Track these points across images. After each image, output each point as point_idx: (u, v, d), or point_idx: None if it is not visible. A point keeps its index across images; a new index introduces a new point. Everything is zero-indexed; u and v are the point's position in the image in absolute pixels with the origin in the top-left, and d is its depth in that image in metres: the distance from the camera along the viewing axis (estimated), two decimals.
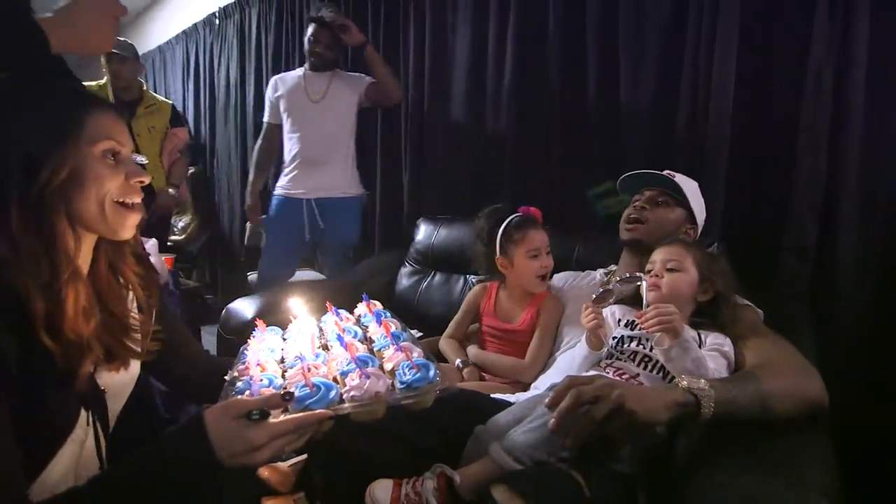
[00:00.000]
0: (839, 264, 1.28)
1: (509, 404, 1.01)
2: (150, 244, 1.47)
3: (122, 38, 2.44)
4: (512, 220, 1.29)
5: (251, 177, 2.30)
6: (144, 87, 2.58)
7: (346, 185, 2.13)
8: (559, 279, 1.38)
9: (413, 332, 1.67)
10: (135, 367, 0.78)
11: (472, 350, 1.35)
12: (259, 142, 2.30)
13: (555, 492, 0.65)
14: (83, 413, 0.68)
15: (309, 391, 0.69)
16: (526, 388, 1.21)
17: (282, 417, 0.66)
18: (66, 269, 0.63)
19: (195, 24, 3.82)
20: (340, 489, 0.84)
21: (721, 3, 1.39)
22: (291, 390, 0.68)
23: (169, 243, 3.26)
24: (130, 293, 0.77)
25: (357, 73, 2.15)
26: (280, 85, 2.17)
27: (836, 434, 0.80)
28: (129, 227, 0.71)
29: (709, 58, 1.43)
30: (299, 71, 2.17)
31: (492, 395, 1.11)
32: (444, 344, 1.40)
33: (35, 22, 0.74)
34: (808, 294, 1.30)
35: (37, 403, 0.61)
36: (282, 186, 2.16)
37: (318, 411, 0.66)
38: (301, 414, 0.65)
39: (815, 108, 1.28)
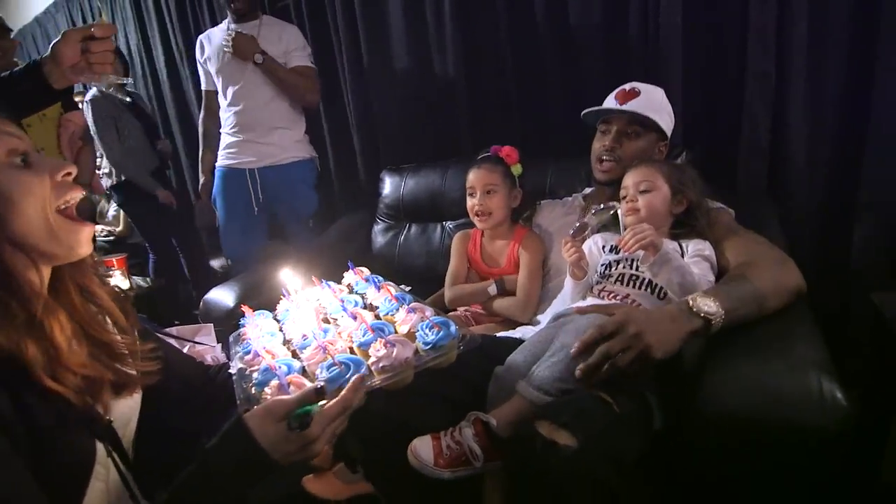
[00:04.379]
0: (792, 159, 1.36)
1: (515, 340, 1.06)
2: (206, 329, 1.37)
3: None
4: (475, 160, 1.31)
5: (200, 152, 2.12)
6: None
7: (294, 150, 1.97)
8: (542, 212, 1.39)
9: (401, 287, 1.69)
10: (135, 394, 0.73)
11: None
12: (202, 113, 2.10)
13: (591, 416, 0.70)
14: (99, 448, 0.64)
15: (339, 370, 0.69)
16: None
17: (308, 387, 0.65)
18: (37, 301, 0.57)
19: None
20: (378, 455, 0.87)
21: None
22: (321, 381, 0.67)
23: (106, 238, 3.02)
24: (107, 318, 0.71)
25: (285, 22, 1.96)
26: (206, 45, 1.95)
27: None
28: (84, 241, 0.64)
29: None
30: (223, 25, 1.94)
31: (497, 335, 1.16)
32: (458, 290, 1.38)
33: None
34: (768, 189, 1.39)
35: (51, 451, 0.57)
36: (222, 157, 1.99)
37: (353, 379, 0.66)
38: (340, 395, 0.64)
39: (762, 7, 1.30)
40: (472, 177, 1.33)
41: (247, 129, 1.92)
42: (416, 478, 0.77)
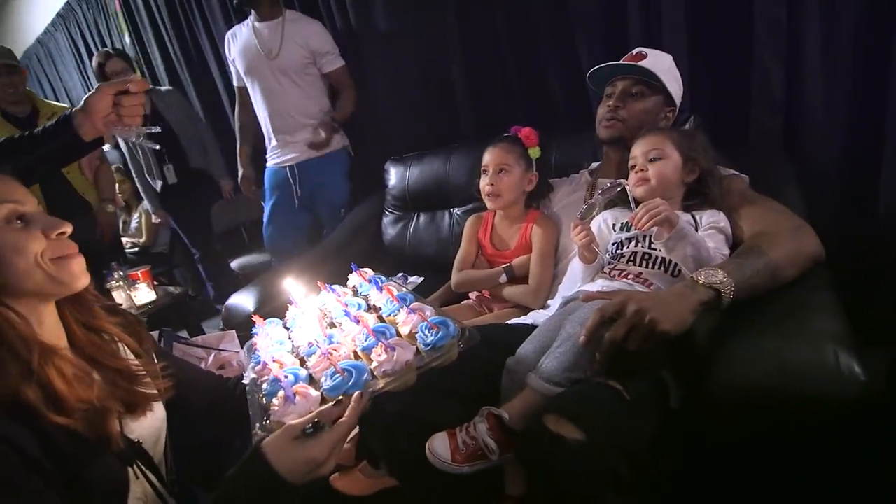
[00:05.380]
0: (807, 112, 1.28)
1: (527, 327, 1.06)
2: (230, 336, 1.40)
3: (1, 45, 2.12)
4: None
5: (238, 146, 2.18)
6: (35, 95, 2.29)
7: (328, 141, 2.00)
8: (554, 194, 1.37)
9: (414, 278, 1.70)
10: (159, 410, 0.77)
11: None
12: (236, 108, 2.15)
13: (598, 405, 0.70)
14: (130, 471, 0.68)
15: (342, 378, 0.70)
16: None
17: (323, 408, 0.67)
18: (31, 351, 0.60)
19: (68, 3, 3.32)
20: (399, 451, 0.89)
21: None
22: (325, 389, 0.69)
23: (132, 249, 3.13)
24: (121, 345, 0.75)
25: (309, 18, 1.94)
26: (232, 44, 1.98)
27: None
28: (77, 274, 0.67)
29: None
30: (248, 22, 1.94)
31: (509, 322, 1.15)
32: (465, 275, 1.37)
33: None
34: (783, 147, 1.32)
35: (82, 480, 0.60)
36: (269, 158, 2.08)
37: (354, 396, 0.67)
38: (345, 415, 0.66)
39: None
40: (487, 156, 1.31)
41: (280, 129, 1.97)
42: (438, 472, 0.78)
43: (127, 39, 1.43)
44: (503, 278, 1.29)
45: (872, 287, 1.23)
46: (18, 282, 0.62)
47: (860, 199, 1.26)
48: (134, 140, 0.94)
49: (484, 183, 1.30)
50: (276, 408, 0.68)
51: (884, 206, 1.23)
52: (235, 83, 2.07)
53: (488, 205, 1.33)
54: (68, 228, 0.66)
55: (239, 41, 1.94)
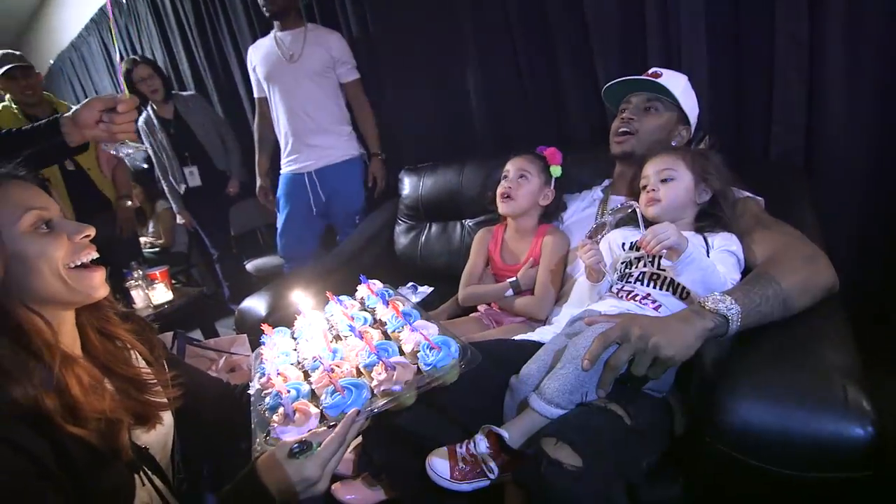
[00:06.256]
0: (829, 131, 1.25)
1: (532, 344, 1.06)
2: (241, 340, 1.43)
3: (11, 51, 2.22)
4: None
5: (256, 157, 2.24)
6: (54, 98, 2.39)
7: (345, 148, 2.05)
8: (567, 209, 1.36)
9: (424, 288, 1.71)
10: (167, 416, 0.78)
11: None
12: (256, 119, 2.21)
13: (598, 430, 0.69)
14: (136, 477, 0.70)
15: (342, 396, 0.71)
16: (543, 321, 1.24)
17: (317, 430, 0.68)
18: (53, 357, 0.61)
19: (101, 9, 3.45)
20: (400, 464, 0.90)
21: None
22: (324, 406, 0.70)
23: (151, 249, 3.21)
24: (133, 352, 0.77)
25: (330, 30, 2.00)
26: (254, 55, 2.04)
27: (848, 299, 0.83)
28: (97, 285, 0.69)
29: None
30: (270, 34, 2.01)
31: (514, 338, 1.15)
32: (472, 290, 1.38)
33: None
34: (803, 166, 1.29)
35: (92, 488, 0.62)
36: (285, 164, 2.12)
37: (348, 414, 0.68)
38: (334, 432, 0.66)
39: None
40: (510, 163, 1.33)
41: (300, 134, 2.01)
42: (438, 487, 0.78)
43: (118, 46, 1.50)
44: (509, 292, 1.29)
45: (891, 316, 1.20)
46: (43, 288, 0.64)
47: (880, 223, 1.23)
48: (121, 154, 0.97)
49: (502, 187, 1.31)
50: (276, 424, 0.69)
51: None
52: (256, 94, 2.12)
53: (500, 208, 1.33)
54: (92, 232, 0.68)
55: (261, 51, 2.01)
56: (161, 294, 2.01)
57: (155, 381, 0.75)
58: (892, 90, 1.17)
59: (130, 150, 0.95)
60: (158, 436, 0.76)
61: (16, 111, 2.19)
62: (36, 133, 0.94)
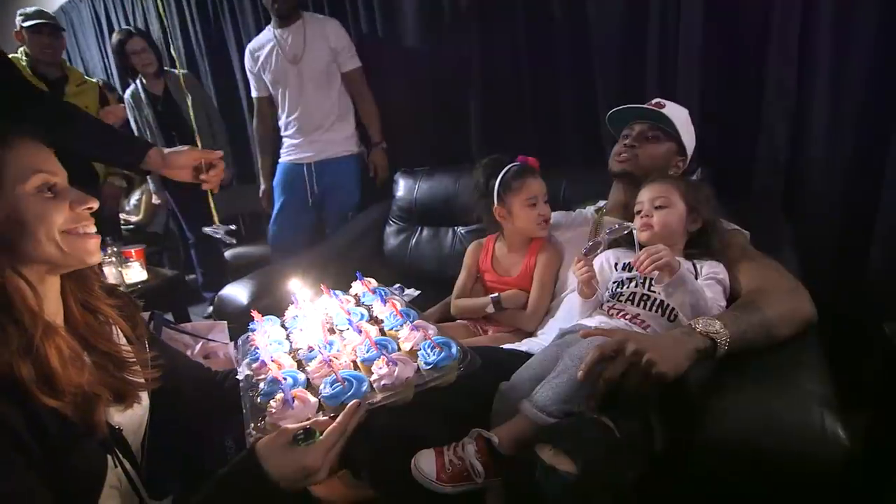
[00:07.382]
0: (809, 174, 1.34)
1: (523, 353, 1.07)
2: (220, 327, 1.40)
3: (44, 10, 2.15)
4: (510, 169, 1.28)
5: (258, 160, 2.21)
6: (66, 63, 2.30)
7: (346, 144, 2.05)
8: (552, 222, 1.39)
9: (410, 291, 1.71)
10: (144, 398, 0.76)
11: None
12: (254, 121, 2.18)
13: (592, 441, 0.71)
14: (109, 458, 0.67)
15: (341, 387, 0.71)
16: (531, 333, 1.26)
17: (318, 417, 0.68)
18: (35, 325, 0.59)
19: None
20: (384, 464, 0.89)
21: None
22: (323, 397, 0.69)
23: (128, 227, 3.09)
24: (115, 327, 0.75)
25: (326, 17, 1.99)
26: (254, 58, 2.02)
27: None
28: (92, 251, 0.68)
29: None
30: (268, 32, 1.99)
31: (504, 347, 1.17)
32: (460, 303, 1.40)
33: None
34: (783, 206, 1.37)
35: (63, 463, 0.60)
36: (284, 153, 2.09)
37: (350, 405, 0.68)
38: (336, 422, 0.66)
39: (783, 23, 1.28)
40: (537, 186, 1.27)
41: (305, 128, 2.00)
42: (420, 488, 0.78)
43: (156, 25, 1.47)
44: (490, 308, 1.30)
45: (859, 351, 1.27)
46: (35, 249, 0.62)
47: (853, 263, 1.32)
48: (218, 235, 1.14)
49: (539, 212, 1.27)
50: (273, 410, 0.67)
51: (873, 272, 1.28)
52: (255, 94, 2.10)
53: (542, 234, 1.30)
54: (95, 204, 0.67)
55: (262, 54, 1.98)
56: (135, 273, 1.94)
57: (134, 359, 0.73)
58: (871, 139, 1.26)
59: (220, 233, 1.13)
60: (133, 417, 0.73)
61: (24, 64, 2.10)
62: (120, 139, 1.06)
